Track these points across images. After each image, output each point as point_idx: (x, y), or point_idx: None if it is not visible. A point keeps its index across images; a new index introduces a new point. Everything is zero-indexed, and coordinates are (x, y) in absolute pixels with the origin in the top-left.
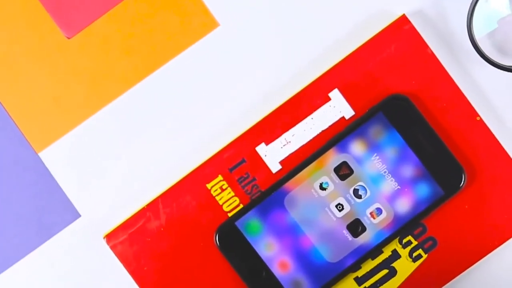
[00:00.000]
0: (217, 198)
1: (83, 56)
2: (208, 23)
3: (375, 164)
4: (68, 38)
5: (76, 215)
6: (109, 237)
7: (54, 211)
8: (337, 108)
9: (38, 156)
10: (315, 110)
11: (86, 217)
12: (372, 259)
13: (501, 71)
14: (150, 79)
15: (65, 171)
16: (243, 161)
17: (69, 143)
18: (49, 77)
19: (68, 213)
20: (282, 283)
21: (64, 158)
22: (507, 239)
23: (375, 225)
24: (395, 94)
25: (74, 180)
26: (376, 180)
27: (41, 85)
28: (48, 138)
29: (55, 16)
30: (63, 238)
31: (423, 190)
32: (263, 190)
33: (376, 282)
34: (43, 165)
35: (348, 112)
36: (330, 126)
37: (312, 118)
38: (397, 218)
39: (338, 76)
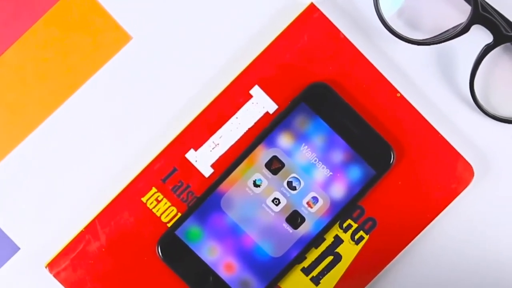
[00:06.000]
0: (154, 210)
1: None
2: (120, 38)
3: (304, 154)
4: None
5: (15, 248)
6: (51, 266)
7: None
8: (260, 104)
9: None
10: (238, 109)
11: (25, 249)
12: (316, 248)
13: (414, 45)
14: (70, 102)
15: None
16: (174, 170)
17: None
18: None
19: (6, 248)
20: (230, 284)
21: None
22: (443, 208)
23: (313, 214)
24: (314, 83)
25: (8, 213)
26: (307, 169)
27: None
28: None
29: None
30: (4, 274)
31: (355, 172)
32: (198, 196)
33: (323, 269)
34: None
35: (271, 106)
36: (255, 123)
37: (236, 118)
38: (334, 204)
39: (256, 73)
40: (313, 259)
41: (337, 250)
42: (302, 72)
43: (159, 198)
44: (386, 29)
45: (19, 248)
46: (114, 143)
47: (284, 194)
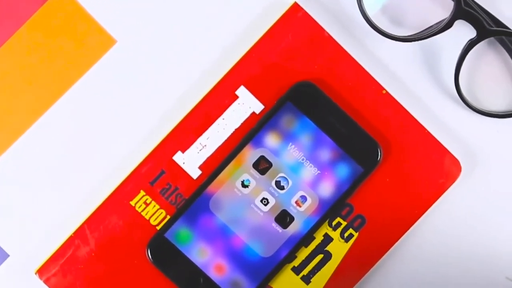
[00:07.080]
0: (143, 213)
1: None
2: (105, 41)
3: (292, 153)
4: None
5: (4, 255)
6: (41, 272)
7: None
8: (246, 104)
9: None
10: (224, 110)
11: (15, 256)
12: (306, 247)
13: (399, 42)
14: (57, 107)
15: None
16: (162, 172)
17: None
18: None
19: None
20: (221, 286)
21: None
22: (432, 204)
23: (302, 212)
24: (300, 82)
25: None
26: (295, 169)
27: None
28: None
29: None
30: None
31: (343, 170)
32: (187, 197)
33: (314, 268)
34: None
35: (257, 106)
36: (242, 124)
37: (223, 119)
38: (322, 203)
39: (242, 73)
40: (303, 258)
41: (327, 248)
42: (287, 72)
43: (148, 201)
44: (370, 26)
45: (8, 255)
46: (101, 147)
47: (272, 194)
